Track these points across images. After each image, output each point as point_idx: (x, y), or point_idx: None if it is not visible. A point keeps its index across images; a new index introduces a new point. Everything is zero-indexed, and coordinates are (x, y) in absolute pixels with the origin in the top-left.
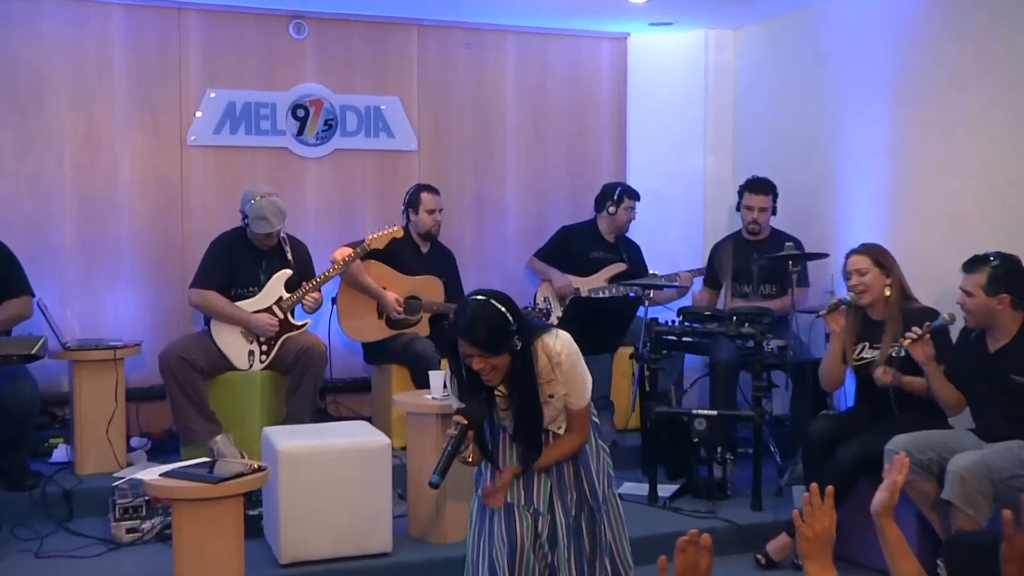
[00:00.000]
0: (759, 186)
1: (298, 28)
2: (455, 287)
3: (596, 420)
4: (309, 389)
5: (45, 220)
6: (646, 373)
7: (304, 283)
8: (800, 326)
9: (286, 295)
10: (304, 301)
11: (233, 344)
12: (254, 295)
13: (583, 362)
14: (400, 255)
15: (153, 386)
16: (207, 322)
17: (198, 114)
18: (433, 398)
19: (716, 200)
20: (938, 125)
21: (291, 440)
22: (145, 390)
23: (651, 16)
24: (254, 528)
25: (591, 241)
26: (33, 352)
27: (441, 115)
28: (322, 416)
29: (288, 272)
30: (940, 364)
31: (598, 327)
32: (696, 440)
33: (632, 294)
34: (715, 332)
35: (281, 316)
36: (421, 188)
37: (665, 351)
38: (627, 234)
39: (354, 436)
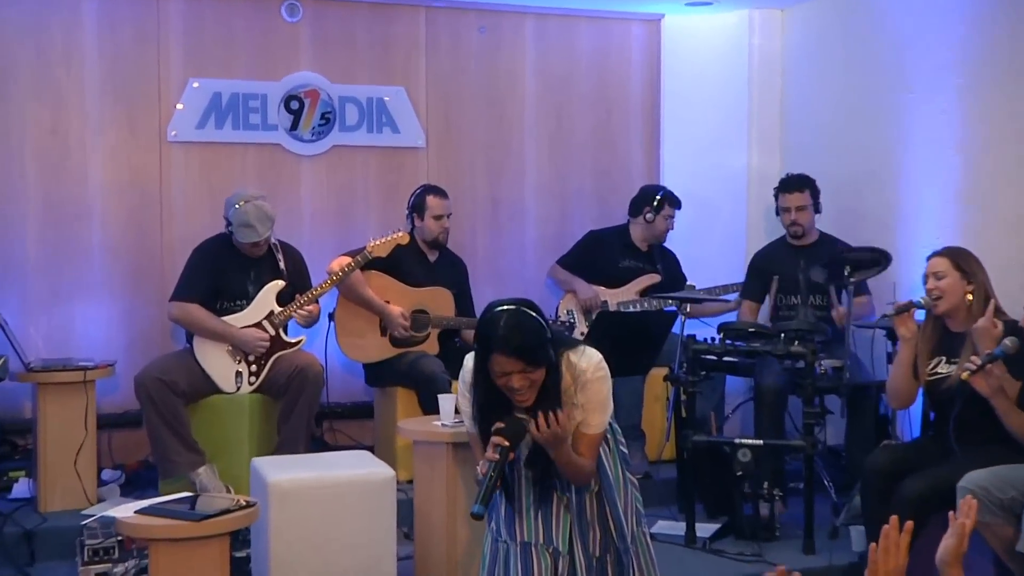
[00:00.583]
0: (792, 183)
1: (291, 10)
2: (466, 300)
3: (624, 450)
4: (304, 415)
5: (5, 225)
6: (682, 397)
7: (298, 296)
8: (858, 344)
9: (278, 309)
10: (298, 314)
11: (218, 364)
12: (242, 309)
13: (610, 386)
14: (405, 264)
15: (128, 412)
16: (189, 340)
17: (179, 106)
18: (443, 425)
19: (762, 203)
20: (1017, 117)
21: (283, 472)
22: (119, 416)
23: None
24: (241, 571)
25: (622, 249)
26: None
27: (452, 108)
28: (318, 445)
29: (280, 283)
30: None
31: (628, 345)
32: (739, 473)
33: (667, 308)
34: (760, 351)
35: (272, 332)
36: (427, 191)
37: (704, 373)
38: (664, 244)
39: (354, 468)
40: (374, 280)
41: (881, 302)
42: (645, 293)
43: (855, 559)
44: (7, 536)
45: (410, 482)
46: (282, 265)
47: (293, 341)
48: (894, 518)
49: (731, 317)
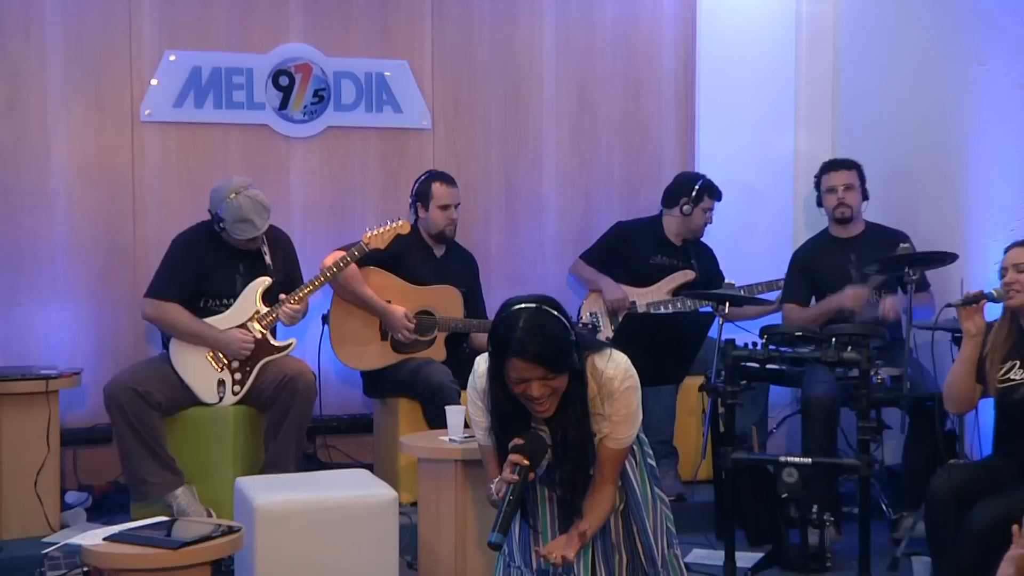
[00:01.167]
0: (838, 162)
1: None
2: (477, 300)
3: (652, 463)
4: (294, 429)
5: None
6: (720, 410)
7: (283, 296)
8: (920, 349)
9: (264, 308)
10: (282, 312)
11: (198, 372)
12: (227, 308)
13: (640, 395)
14: (408, 260)
15: (96, 426)
16: (165, 344)
17: (154, 82)
18: (452, 440)
19: (810, 192)
20: None
21: (271, 494)
22: (85, 432)
23: None
24: None
25: (653, 243)
26: None
27: (461, 84)
28: (311, 463)
29: (267, 280)
30: None
31: (659, 351)
32: (785, 496)
33: (703, 309)
34: (808, 358)
35: (259, 335)
36: (433, 177)
37: (744, 382)
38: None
39: (351, 488)
40: (373, 277)
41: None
42: (678, 292)
43: None
44: None
45: (414, 505)
46: (268, 259)
47: (282, 345)
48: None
49: (776, 319)
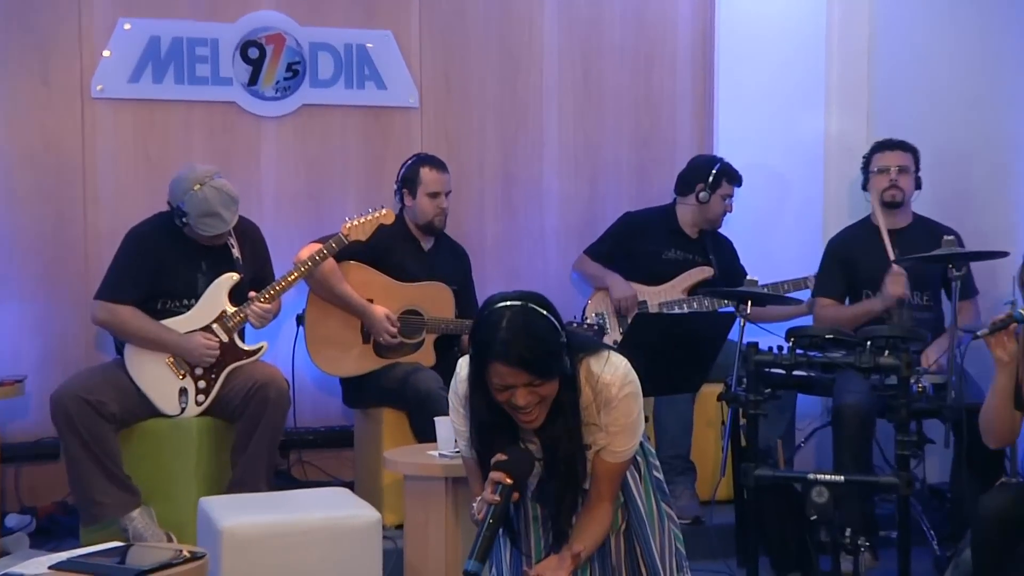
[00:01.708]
0: (893, 142)
1: None
2: (469, 298)
3: (659, 476)
4: (265, 443)
5: None
6: (742, 422)
7: (253, 294)
8: (967, 354)
9: (231, 309)
10: (250, 312)
11: (157, 380)
12: (188, 309)
13: (641, 403)
14: (393, 254)
15: (41, 440)
16: (120, 349)
17: (106, 53)
18: (442, 455)
19: (843, 178)
20: None
21: (240, 515)
22: (30, 447)
23: None
24: None
25: (666, 236)
26: None
27: (453, 58)
28: (284, 481)
29: (234, 276)
30: None
31: (673, 356)
32: (814, 518)
33: (722, 309)
34: (841, 363)
35: (224, 338)
36: (421, 161)
37: (769, 390)
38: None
39: (329, 509)
40: (353, 273)
41: (989, 302)
42: (694, 291)
43: None
44: None
45: (399, 527)
46: (235, 252)
47: (251, 349)
48: None
49: (805, 321)
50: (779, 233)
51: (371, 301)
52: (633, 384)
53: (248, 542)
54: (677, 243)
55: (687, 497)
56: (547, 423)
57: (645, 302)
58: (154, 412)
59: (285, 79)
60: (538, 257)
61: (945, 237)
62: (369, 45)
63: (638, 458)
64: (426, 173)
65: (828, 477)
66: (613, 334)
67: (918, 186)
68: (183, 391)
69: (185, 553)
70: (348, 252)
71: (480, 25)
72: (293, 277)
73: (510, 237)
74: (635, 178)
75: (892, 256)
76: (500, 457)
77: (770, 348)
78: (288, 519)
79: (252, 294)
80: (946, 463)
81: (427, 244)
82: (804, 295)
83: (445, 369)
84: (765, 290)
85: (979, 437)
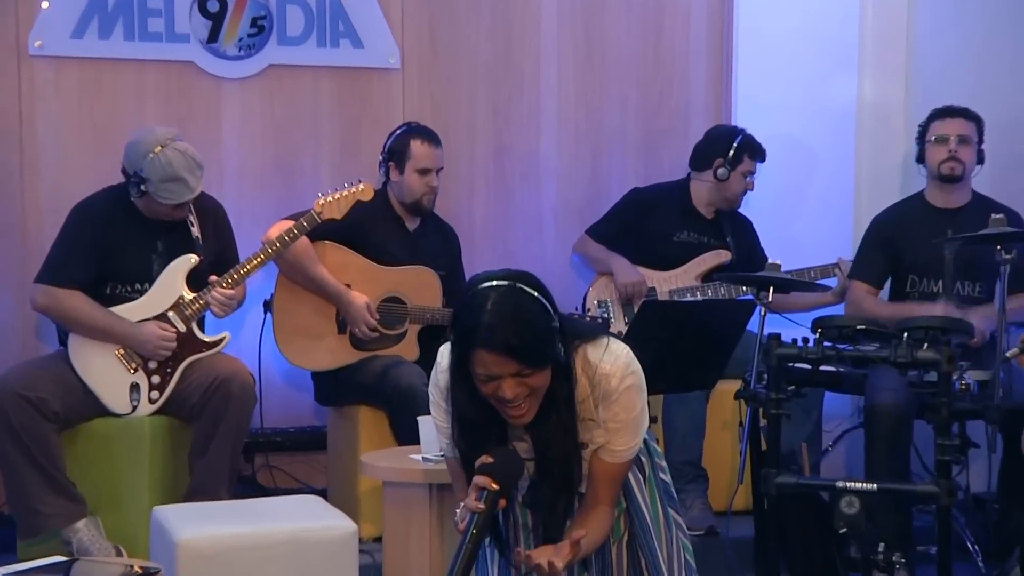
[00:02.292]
0: (954, 109)
1: None
2: (458, 285)
3: (666, 479)
4: (227, 445)
5: None
6: (762, 423)
7: (214, 278)
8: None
9: (189, 295)
10: (212, 299)
11: (106, 374)
12: (141, 295)
13: (645, 397)
14: (373, 233)
15: None
16: (63, 340)
17: (44, 5)
18: (425, 459)
19: (879, 151)
20: None
21: (198, 526)
22: None
23: None
24: None
25: (678, 216)
26: None
27: (439, 13)
28: (248, 488)
29: (192, 259)
30: None
31: (685, 349)
32: (844, 531)
33: (741, 297)
34: (874, 358)
35: (182, 328)
36: (413, 133)
37: (792, 387)
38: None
39: (299, 519)
40: (329, 255)
41: None
42: (710, 276)
43: None
44: None
45: (378, 540)
46: (195, 231)
47: (212, 340)
48: None
49: (832, 312)
50: (805, 212)
51: (348, 287)
52: (636, 375)
53: (207, 556)
54: (690, 224)
55: (699, 507)
56: (538, 419)
57: (654, 289)
58: (102, 411)
59: (249, 36)
60: (534, 238)
61: (993, 216)
62: None
63: (642, 458)
64: (417, 147)
65: (859, 485)
66: (618, 324)
67: (980, 160)
68: (135, 387)
69: (137, 569)
70: (323, 231)
71: None
72: (260, 259)
73: (503, 216)
74: (643, 150)
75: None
76: (485, 459)
77: (794, 340)
78: (253, 531)
79: (213, 278)
80: (992, 470)
81: (412, 224)
82: (833, 283)
83: (429, 363)
84: (789, 276)
85: None
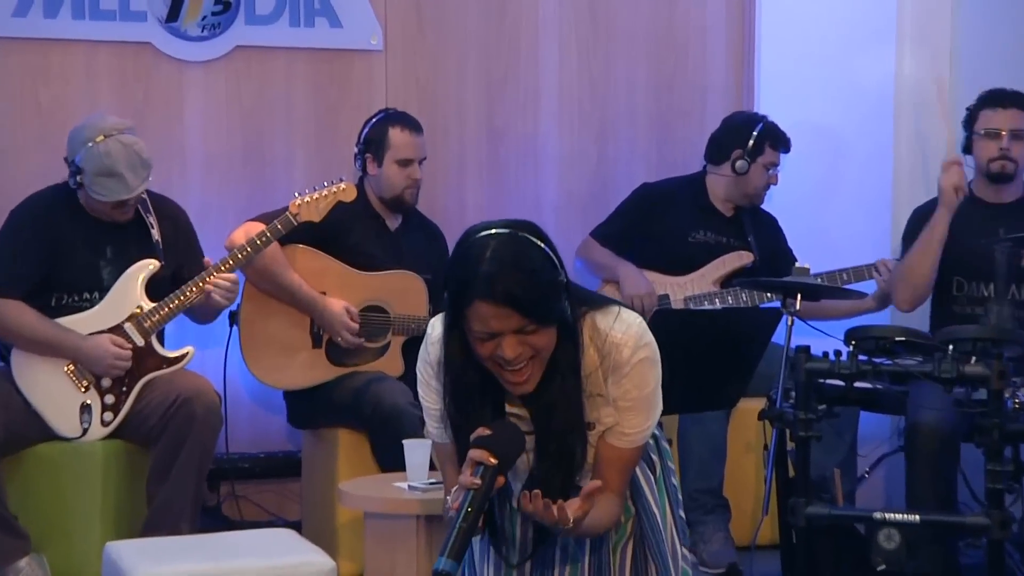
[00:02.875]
0: (1006, 96)
1: None
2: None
3: (676, 482)
4: (190, 472)
5: None
6: (789, 446)
7: (207, 261)
8: None
9: (148, 305)
10: (213, 286)
11: (53, 393)
12: (92, 305)
13: (659, 373)
14: (350, 234)
15: None
16: (4, 356)
17: None
18: (412, 488)
19: (919, 137)
20: None
21: (156, 564)
22: None
23: None
24: None
25: (693, 213)
26: None
27: None
28: (213, 520)
29: (152, 264)
30: None
31: (702, 363)
32: (882, 568)
33: (765, 305)
34: (916, 373)
35: (140, 341)
36: (390, 120)
37: (824, 407)
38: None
39: (270, 556)
40: (301, 260)
41: None
42: (729, 281)
43: None
44: None
45: None
46: (155, 234)
47: (173, 356)
48: None
49: (871, 320)
50: (837, 207)
51: (324, 294)
52: (650, 347)
53: None
54: (707, 222)
55: (719, 541)
56: (542, 388)
57: (667, 296)
58: (49, 434)
59: (214, 14)
60: None
61: None
62: None
63: (652, 456)
64: (396, 135)
65: (899, 517)
66: None
67: None
68: (86, 407)
69: None
70: (295, 234)
71: None
72: (228, 264)
73: (497, 209)
74: (655, 136)
75: None
76: (482, 432)
77: (825, 353)
78: (217, 569)
79: (208, 261)
80: None
81: (393, 223)
82: (869, 287)
83: (415, 378)
84: (819, 280)
85: None
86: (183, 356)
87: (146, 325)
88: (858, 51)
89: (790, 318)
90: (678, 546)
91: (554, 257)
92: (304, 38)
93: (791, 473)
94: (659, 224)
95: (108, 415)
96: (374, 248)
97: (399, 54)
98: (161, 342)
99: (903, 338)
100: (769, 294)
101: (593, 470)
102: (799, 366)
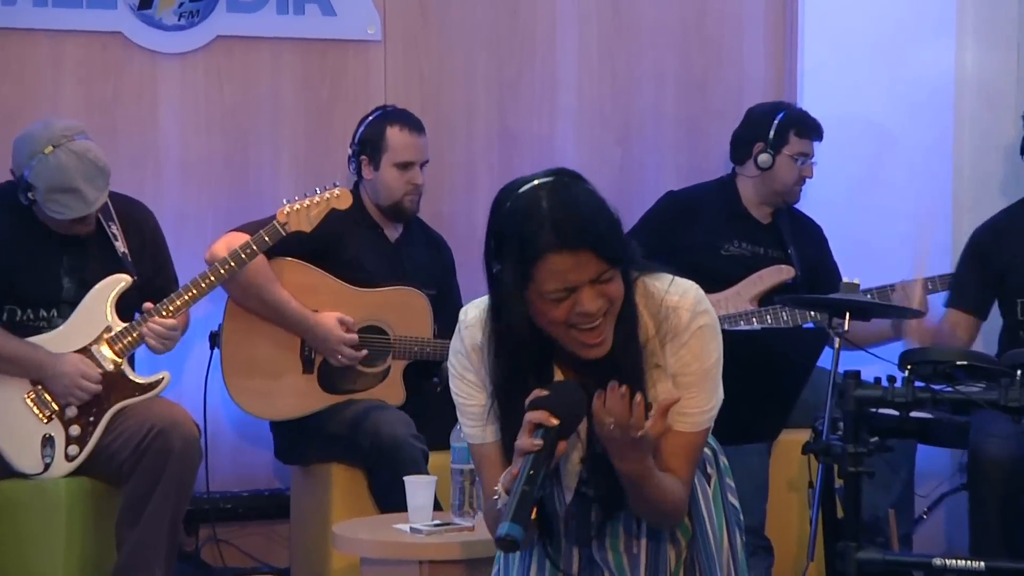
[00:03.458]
0: None
1: None
2: (452, 308)
3: (736, 503)
4: (165, 513)
5: None
6: (838, 483)
7: (149, 306)
8: None
9: (119, 324)
10: (148, 330)
11: (11, 423)
12: (52, 325)
13: (721, 346)
14: (345, 246)
15: None
16: None
17: None
18: (413, 529)
19: (984, 138)
20: None
21: None
22: None
23: None
24: None
25: (726, 221)
26: None
27: None
28: (191, 567)
29: (123, 279)
30: None
31: (740, 391)
32: None
33: (808, 325)
34: (979, 401)
35: (110, 366)
36: (388, 118)
37: (876, 439)
38: (796, 205)
39: None
40: (290, 274)
41: None
42: (769, 299)
43: None
44: None
45: None
46: (121, 245)
47: (146, 382)
48: None
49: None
50: (889, 215)
51: (317, 312)
52: (709, 315)
53: None
54: (742, 231)
55: None
56: (613, 355)
57: None
58: (6, 470)
59: (191, 0)
60: None
61: None
62: None
63: (708, 468)
64: (394, 135)
65: (963, 563)
66: None
67: None
68: (48, 440)
69: None
70: (283, 246)
71: None
72: (208, 282)
73: None
74: (684, 139)
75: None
76: (539, 393)
77: (877, 379)
78: None
79: (148, 306)
80: None
81: (393, 233)
82: (934, 302)
83: (418, 408)
84: (870, 298)
85: None
86: (158, 382)
87: (117, 348)
88: (913, 41)
89: (837, 341)
90: (740, 555)
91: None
92: (293, 27)
93: (840, 514)
94: (688, 236)
95: (73, 448)
96: (372, 261)
97: (399, 46)
98: (132, 366)
99: (965, 362)
100: (812, 313)
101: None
102: (848, 394)
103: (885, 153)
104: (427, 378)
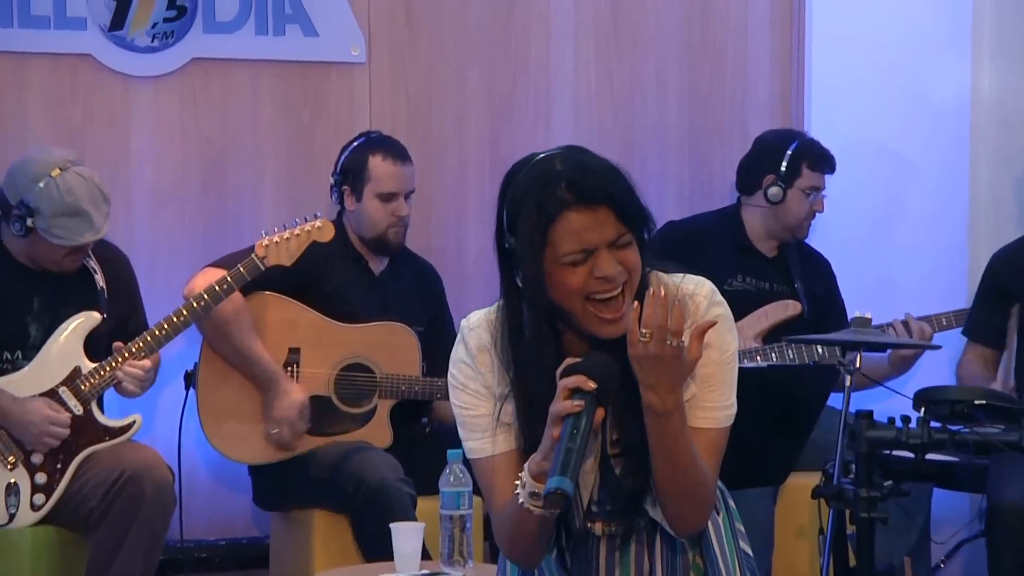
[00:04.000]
0: None
1: None
2: (442, 344)
3: (747, 550)
4: (136, 564)
5: None
6: (849, 530)
7: (119, 345)
8: None
9: (89, 365)
10: (123, 374)
11: None
12: (18, 366)
13: (737, 337)
14: (327, 279)
15: None
16: None
17: None
18: None
19: (1002, 163)
20: None
21: None
22: None
23: None
24: None
25: (730, 254)
26: None
27: None
28: None
29: (94, 317)
30: None
31: (746, 432)
32: None
33: (814, 362)
34: (999, 443)
35: (78, 409)
36: (371, 147)
37: (890, 483)
38: (806, 240)
39: None
40: (271, 310)
41: None
42: (774, 335)
43: None
44: None
45: None
46: (100, 280)
47: (117, 425)
48: None
49: (941, 379)
50: (901, 247)
51: (296, 352)
52: (724, 306)
53: None
54: (747, 265)
55: None
56: (619, 340)
57: None
58: None
59: (166, 21)
60: None
61: None
62: None
63: (717, 511)
64: (376, 165)
65: None
66: None
67: None
68: (13, 488)
69: None
70: (262, 280)
71: None
72: (181, 320)
73: None
74: (686, 158)
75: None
76: (573, 360)
77: (891, 419)
78: None
79: (119, 345)
80: None
81: (378, 266)
82: (950, 339)
83: (405, 450)
84: (885, 335)
85: None
86: (129, 426)
87: (85, 389)
88: (926, 60)
89: (848, 378)
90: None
91: None
92: (273, 49)
93: (852, 562)
94: (690, 268)
95: (39, 497)
96: (356, 296)
97: (385, 66)
98: (101, 409)
99: (984, 401)
100: (820, 349)
101: None
102: (860, 435)
103: (897, 178)
104: (415, 418)
